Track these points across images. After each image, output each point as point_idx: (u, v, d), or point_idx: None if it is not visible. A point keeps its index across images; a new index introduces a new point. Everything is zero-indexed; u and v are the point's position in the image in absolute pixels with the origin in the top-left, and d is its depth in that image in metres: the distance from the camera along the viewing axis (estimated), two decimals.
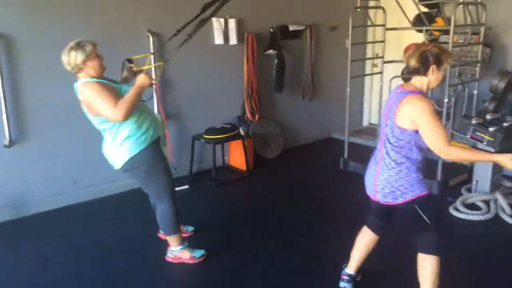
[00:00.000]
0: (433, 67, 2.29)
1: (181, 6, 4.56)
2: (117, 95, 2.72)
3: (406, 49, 5.65)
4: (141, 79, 2.82)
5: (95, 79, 2.73)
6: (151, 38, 4.41)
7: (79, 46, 2.68)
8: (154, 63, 4.14)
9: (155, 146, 2.96)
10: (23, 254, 3.38)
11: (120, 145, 2.83)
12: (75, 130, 4.10)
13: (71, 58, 2.68)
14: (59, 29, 3.92)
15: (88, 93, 2.69)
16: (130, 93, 2.76)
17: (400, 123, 2.31)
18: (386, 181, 2.39)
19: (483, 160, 2.50)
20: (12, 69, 3.77)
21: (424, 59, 2.28)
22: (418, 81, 2.35)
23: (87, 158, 4.21)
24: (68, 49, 2.69)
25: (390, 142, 2.38)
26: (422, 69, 2.30)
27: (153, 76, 4.12)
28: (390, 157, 2.38)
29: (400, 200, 2.38)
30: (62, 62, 2.72)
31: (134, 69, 2.92)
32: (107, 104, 2.65)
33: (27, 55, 3.82)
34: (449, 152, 2.24)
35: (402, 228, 2.53)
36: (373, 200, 2.54)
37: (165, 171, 3.01)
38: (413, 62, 2.32)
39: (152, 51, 4.39)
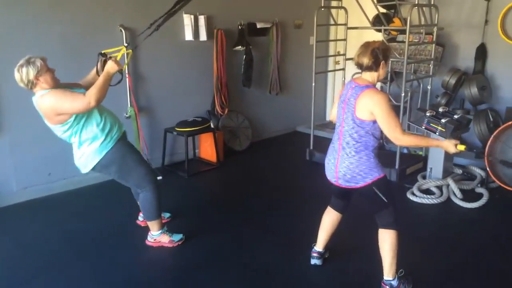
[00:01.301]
0: (382, 63, 2.57)
1: (153, 1, 4.70)
2: (77, 92, 2.86)
3: None
4: (109, 65, 2.96)
5: (50, 89, 2.84)
6: (123, 33, 4.52)
7: (29, 62, 2.78)
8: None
9: (121, 143, 3.11)
10: (1, 243, 3.45)
11: (85, 150, 2.98)
12: None
13: (23, 74, 2.77)
14: (32, 25, 3.99)
15: (49, 101, 2.79)
16: (99, 79, 2.90)
17: (360, 115, 2.54)
18: (348, 168, 2.62)
19: (432, 145, 2.80)
20: None
21: (375, 56, 2.54)
22: (370, 76, 2.61)
23: (61, 150, 4.24)
24: (19, 66, 2.80)
25: (350, 134, 2.60)
26: (374, 66, 2.56)
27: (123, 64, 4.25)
28: (350, 147, 2.61)
29: (361, 184, 2.62)
30: (16, 79, 2.81)
31: (106, 59, 3.05)
32: (75, 99, 2.79)
33: (0, 49, 3.85)
34: (403, 139, 2.52)
35: (364, 207, 2.80)
36: (335, 184, 2.77)
37: (138, 162, 3.16)
38: (366, 60, 2.55)
39: (125, 44, 4.50)
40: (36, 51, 3.95)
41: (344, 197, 2.90)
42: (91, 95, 2.80)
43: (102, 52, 3.13)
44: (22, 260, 3.19)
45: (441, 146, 2.72)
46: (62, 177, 4.37)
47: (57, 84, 2.89)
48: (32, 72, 2.77)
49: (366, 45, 2.62)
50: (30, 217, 3.88)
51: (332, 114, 2.89)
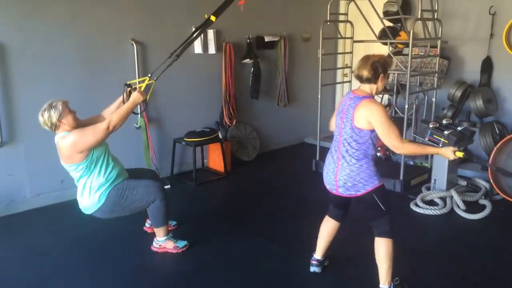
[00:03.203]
0: (381, 76, 2.67)
1: (164, 16, 4.89)
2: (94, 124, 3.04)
3: None
4: (135, 95, 3.15)
5: (71, 130, 3.02)
6: (135, 47, 4.69)
7: (51, 106, 2.96)
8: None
9: (117, 184, 3.22)
10: (14, 247, 3.59)
11: (88, 198, 3.16)
12: None
13: (45, 118, 2.96)
14: (47, 37, 4.18)
15: (71, 139, 2.95)
16: (124, 106, 3.09)
17: (358, 124, 2.63)
18: (348, 176, 2.69)
19: (430, 152, 2.87)
20: (3, 75, 3.99)
21: (375, 69, 2.64)
22: (368, 88, 2.71)
23: None
24: (42, 111, 2.98)
25: (348, 142, 2.68)
26: (373, 79, 2.66)
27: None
28: (350, 155, 2.68)
29: (362, 192, 2.69)
30: (40, 122, 3.01)
31: (131, 90, 3.24)
32: (95, 129, 2.98)
33: (17, 61, 4.04)
34: (402, 147, 2.60)
35: (361, 216, 2.85)
36: (334, 193, 2.84)
37: (135, 187, 3.25)
38: (365, 73, 2.65)
39: (135, 59, 4.67)
40: (50, 63, 4.20)
41: (342, 207, 2.97)
42: (112, 120, 2.99)
43: (128, 83, 3.30)
44: (32, 264, 3.32)
45: (440, 153, 2.79)
46: (74, 185, 4.48)
47: (78, 124, 3.07)
48: (55, 116, 2.95)
49: (366, 58, 2.71)
50: (42, 223, 4.03)
51: (331, 124, 2.99)
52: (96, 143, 3.01)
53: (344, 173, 2.70)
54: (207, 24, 3.60)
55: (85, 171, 3.08)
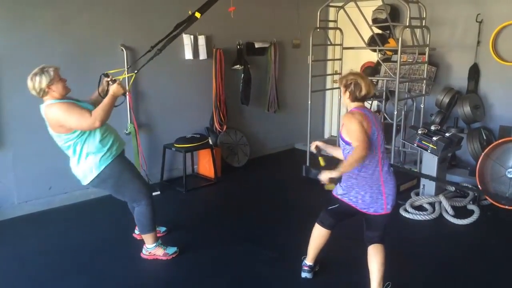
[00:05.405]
0: None
1: (153, 22, 4.87)
2: (84, 109, 2.96)
3: (363, 67, 6.15)
4: (114, 88, 3.05)
5: (59, 100, 2.95)
6: (125, 52, 4.67)
7: (43, 71, 2.88)
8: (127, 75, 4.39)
9: (119, 158, 3.21)
10: (1, 254, 3.55)
11: (85, 163, 3.07)
12: (50, 138, 4.28)
13: (35, 83, 2.87)
14: (36, 44, 4.14)
15: (56, 113, 2.89)
16: (104, 101, 3.01)
17: None
18: (394, 186, 2.72)
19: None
20: None
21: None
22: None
23: (62, 165, 4.37)
24: (32, 75, 2.89)
25: (386, 155, 2.73)
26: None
27: (126, 86, 4.37)
28: (390, 168, 2.73)
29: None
30: (28, 87, 2.92)
31: (109, 81, 3.14)
32: (81, 117, 2.89)
33: (5, 69, 4.00)
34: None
35: (368, 226, 2.81)
36: (374, 214, 2.70)
37: (134, 177, 3.26)
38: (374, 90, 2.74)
39: (126, 65, 4.65)
40: None
41: (343, 219, 2.93)
42: (97, 115, 2.90)
43: (105, 73, 3.22)
44: (20, 272, 3.27)
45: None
46: (63, 191, 4.48)
47: (67, 93, 3.01)
48: (45, 81, 2.87)
49: (363, 76, 2.72)
50: (30, 230, 3.98)
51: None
52: (76, 128, 2.94)
53: (390, 187, 2.70)
54: (191, 20, 3.54)
55: (78, 138, 2.99)
